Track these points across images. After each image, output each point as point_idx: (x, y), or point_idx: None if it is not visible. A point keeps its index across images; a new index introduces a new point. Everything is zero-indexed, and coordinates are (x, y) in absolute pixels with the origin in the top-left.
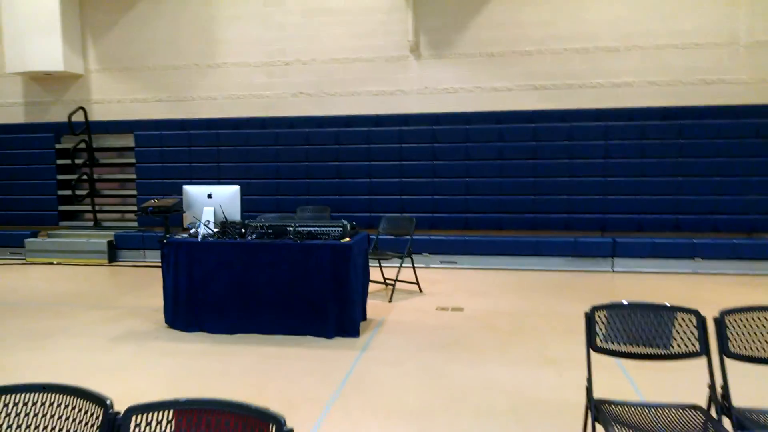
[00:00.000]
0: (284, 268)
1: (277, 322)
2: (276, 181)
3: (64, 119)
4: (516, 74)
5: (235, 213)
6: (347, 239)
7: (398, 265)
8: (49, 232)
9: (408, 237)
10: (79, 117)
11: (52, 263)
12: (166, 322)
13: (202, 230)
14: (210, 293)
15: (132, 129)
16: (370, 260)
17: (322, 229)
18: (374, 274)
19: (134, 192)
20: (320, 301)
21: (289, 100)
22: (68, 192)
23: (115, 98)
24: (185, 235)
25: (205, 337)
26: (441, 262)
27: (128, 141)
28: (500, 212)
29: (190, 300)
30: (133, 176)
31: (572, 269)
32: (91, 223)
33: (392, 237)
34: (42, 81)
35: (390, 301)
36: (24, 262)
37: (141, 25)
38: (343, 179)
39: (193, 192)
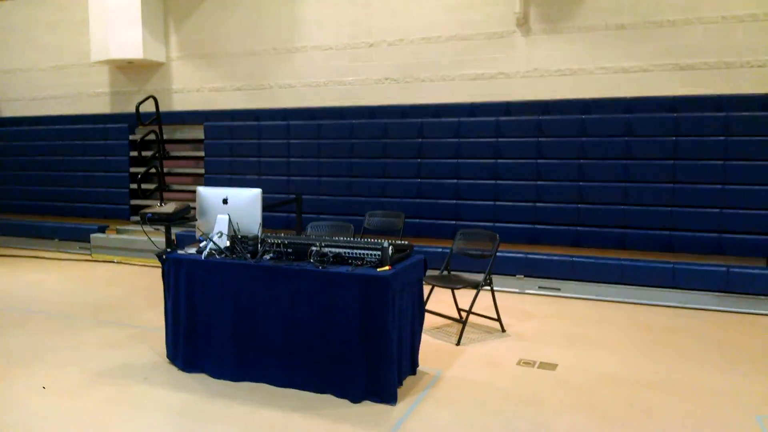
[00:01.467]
0: (301, 302)
1: (292, 372)
2: (348, 180)
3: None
4: (653, 51)
5: (252, 223)
6: (386, 268)
7: (477, 291)
8: (118, 227)
9: (489, 256)
10: (150, 107)
11: (113, 261)
12: (168, 356)
13: (209, 245)
14: (213, 326)
15: (204, 120)
16: (438, 285)
17: (355, 251)
18: (443, 300)
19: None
20: (345, 351)
21: (372, 87)
22: (145, 184)
23: (194, 87)
24: (192, 251)
25: (202, 382)
26: (540, 288)
27: (200, 133)
28: (624, 227)
29: (192, 333)
30: (202, 171)
31: (724, 309)
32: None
33: (469, 256)
34: (126, 70)
35: (458, 343)
36: (89, 258)
37: (222, 9)
38: (424, 179)
39: (207, 195)
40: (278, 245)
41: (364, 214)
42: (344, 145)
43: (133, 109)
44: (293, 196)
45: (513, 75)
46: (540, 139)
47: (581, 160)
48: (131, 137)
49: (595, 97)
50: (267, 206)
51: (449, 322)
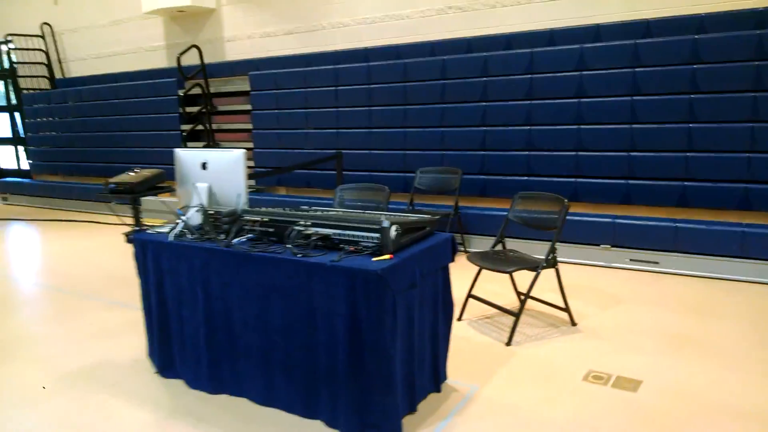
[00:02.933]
0: (277, 300)
1: (274, 388)
2: (402, 131)
3: (194, 62)
4: None
5: (232, 192)
6: (386, 257)
7: (536, 273)
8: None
9: (554, 227)
10: (196, 59)
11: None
12: (148, 353)
13: (179, 224)
14: (186, 325)
15: (250, 69)
16: (484, 267)
17: (348, 233)
18: (498, 279)
19: (251, 144)
20: (333, 368)
21: (433, 20)
22: (192, 143)
23: (245, 34)
24: (165, 229)
25: (174, 393)
26: (632, 261)
27: (245, 84)
28: (748, 181)
29: (164, 331)
30: (250, 125)
31: None
32: None
33: (529, 226)
34: (179, 20)
35: (508, 343)
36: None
37: None
38: (490, 127)
39: (186, 158)
40: (256, 223)
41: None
42: (397, 89)
43: (186, 62)
44: (334, 152)
45: None
46: (636, 69)
47: (692, 95)
48: (181, 92)
49: (713, 11)
50: (305, 165)
51: (510, 303)
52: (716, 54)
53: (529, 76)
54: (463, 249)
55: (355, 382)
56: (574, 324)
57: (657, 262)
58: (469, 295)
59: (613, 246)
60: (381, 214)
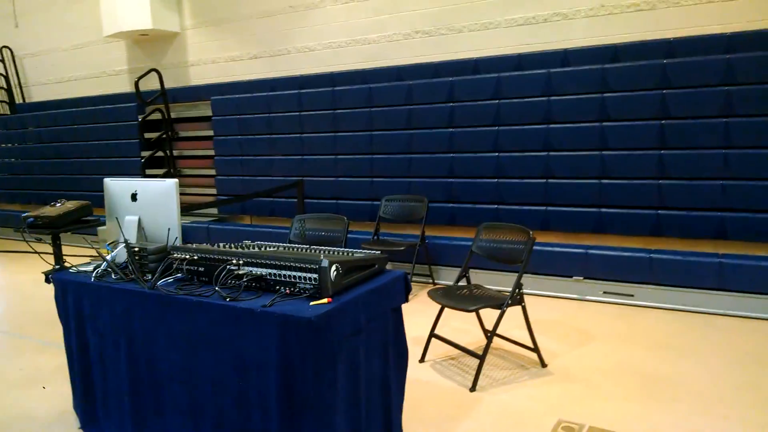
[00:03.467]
0: (204, 349)
1: None
2: (369, 157)
3: (156, 86)
4: None
5: (165, 226)
6: (324, 301)
7: (501, 312)
8: None
9: (519, 262)
10: (156, 83)
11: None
12: (73, 406)
13: (103, 263)
14: (108, 376)
15: (214, 94)
16: (446, 305)
17: (284, 273)
18: (465, 316)
19: (212, 172)
20: (264, 428)
21: (400, 44)
22: (153, 170)
23: (210, 58)
24: (89, 267)
25: None
26: (605, 293)
27: (208, 109)
28: (724, 209)
29: (87, 381)
30: (210, 152)
31: None
32: None
33: (494, 260)
34: (143, 44)
35: (472, 389)
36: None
37: None
38: (458, 153)
39: (115, 188)
40: (184, 261)
41: (381, 199)
42: (363, 114)
43: (147, 87)
44: (296, 179)
45: (573, 15)
46: (605, 94)
47: (663, 121)
48: (140, 117)
49: (681, 36)
50: (267, 192)
51: (476, 342)
52: (686, 79)
53: (497, 101)
54: (431, 281)
55: None
56: (544, 365)
57: (632, 295)
58: (432, 335)
59: (585, 278)
60: (324, 251)
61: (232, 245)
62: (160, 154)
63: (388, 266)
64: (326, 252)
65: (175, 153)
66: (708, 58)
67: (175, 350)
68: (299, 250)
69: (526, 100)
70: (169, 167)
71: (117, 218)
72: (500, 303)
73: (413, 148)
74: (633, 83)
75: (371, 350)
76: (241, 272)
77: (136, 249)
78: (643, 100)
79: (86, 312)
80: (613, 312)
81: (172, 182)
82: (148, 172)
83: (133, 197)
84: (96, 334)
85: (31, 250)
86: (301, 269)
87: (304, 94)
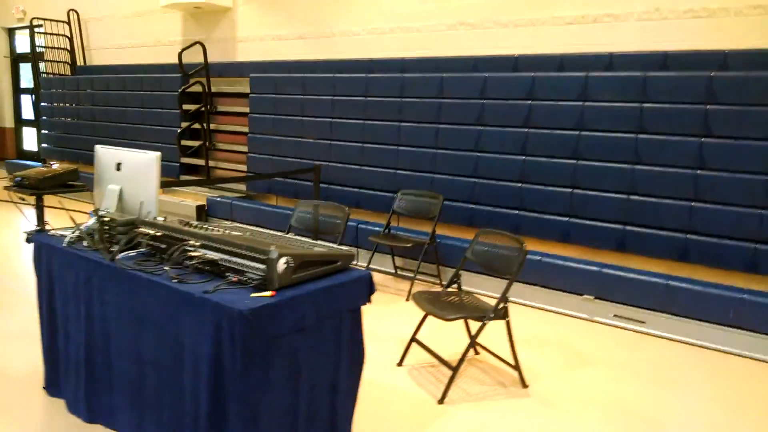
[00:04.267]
0: (150, 329)
1: (143, 426)
2: (395, 148)
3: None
4: None
5: (147, 197)
6: (267, 294)
7: (482, 324)
8: (165, 187)
9: (508, 275)
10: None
11: None
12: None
13: (76, 229)
14: (70, 342)
15: (255, 71)
16: (428, 312)
17: (235, 259)
18: (447, 325)
19: (245, 148)
20: (195, 417)
21: (442, 35)
22: (187, 143)
23: (258, 35)
24: (67, 232)
25: (52, 414)
26: (615, 317)
27: (248, 86)
28: (759, 241)
29: (52, 345)
30: (246, 128)
31: None
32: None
33: (484, 268)
34: (197, 16)
35: (441, 401)
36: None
37: None
38: (483, 153)
39: (104, 157)
40: (149, 237)
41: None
42: (393, 104)
43: (194, 59)
44: (315, 164)
45: (625, 17)
46: (644, 105)
47: (703, 139)
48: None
49: (733, 49)
50: (283, 174)
51: (455, 353)
52: (735, 95)
53: (529, 102)
54: (439, 282)
55: None
56: (524, 386)
57: (643, 322)
58: (413, 339)
59: (597, 297)
60: (284, 241)
61: (204, 226)
62: (197, 126)
63: (401, 262)
64: (286, 242)
65: (212, 127)
66: (763, 74)
67: (125, 325)
68: (264, 237)
69: (561, 103)
70: (204, 140)
71: (106, 186)
72: (482, 315)
73: (440, 144)
74: (676, 95)
75: (319, 350)
76: (194, 254)
77: (107, 219)
78: (685, 114)
79: (55, 275)
80: (621, 338)
81: (154, 155)
82: (184, 143)
83: (118, 167)
84: (62, 298)
85: (16, 205)
86: (250, 258)
87: (339, 79)
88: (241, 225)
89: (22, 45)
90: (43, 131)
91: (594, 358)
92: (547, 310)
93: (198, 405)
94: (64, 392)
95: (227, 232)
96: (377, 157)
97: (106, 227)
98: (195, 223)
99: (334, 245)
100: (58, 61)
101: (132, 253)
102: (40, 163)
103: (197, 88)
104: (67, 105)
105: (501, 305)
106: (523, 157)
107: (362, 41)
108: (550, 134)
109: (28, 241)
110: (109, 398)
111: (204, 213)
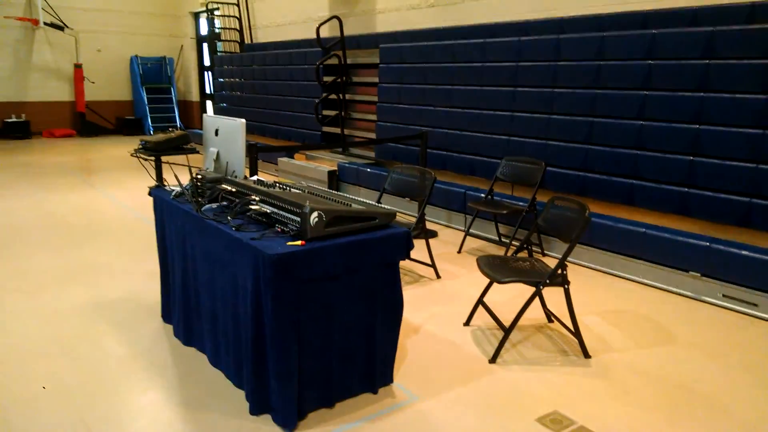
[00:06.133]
0: (217, 269)
1: (218, 351)
2: (509, 114)
3: (349, 32)
4: None
5: (236, 160)
6: (297, 243)
7: (535, 292)
8: (308, 153)
9: (568, 241)
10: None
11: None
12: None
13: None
14: (174, 276)
15: (388, 42)
16: (485, 273)
17: (282, 213)
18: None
19: (374, 117)
20: (245, 346)
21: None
22: (325, 112)
23: (394, 6)
24: (174, 187)
25: (161, 336)
26: (724, 296)
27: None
28: None
29: (166, 279)
30: (376, 98)
31: None
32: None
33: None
34: None
35: (492, 360)
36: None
37: None
38: (598, 118)
39: (209, 123)
40: (226, 192)
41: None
42: (509, 69)
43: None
44: (425, 130)
45: None
46: None
47: None
48: (319, 63)
49: None
50: (394, 140)
51: (525, 323)
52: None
53: (648, 62)
54: (540, 251)
55: (260, 363)
56: (587, 356)
57: (756, 305)
58: (479, 302)
59: (703, 275)
60: (327, 198)
61: (278, 185)
62: (333, 97)
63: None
64: (327, 200)
65: (348, 97)
66: None
67: (205, 265)
68: (301, 194)
69: (682, 62)
70: (340, 110)
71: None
72: (537, 281)
73: (555, 109)
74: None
75: (352, 300)
76: (253, 207)
77: (199, 177)
78: None
79: (165, 222)
80: (724, 319)
81: (239, 122)
82: (325, 113)
83: (216, 132)
84: (169, 241)
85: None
86: (291, 211)
87: (457, 45)
88: (316, 186)
89: (205, 27)
90: (218, 105)
91: (682, 337)
92: (650, 286)
93: (247, 333)
94: (173, 322)
95: (288, 189)
96: (491, 123)
97: (198, 184)
98: (268, 182)
99: (374, 203)
100: (230, 41)
101: (214, 205)
102: None
103: (333, 61)
104: (236, 80)
105: (559, 271)
106: (641, 122)
107: (494, 6)
108: (672, 96)
109: (150, 194)
110: (198, 325)
111: (335, 177)
